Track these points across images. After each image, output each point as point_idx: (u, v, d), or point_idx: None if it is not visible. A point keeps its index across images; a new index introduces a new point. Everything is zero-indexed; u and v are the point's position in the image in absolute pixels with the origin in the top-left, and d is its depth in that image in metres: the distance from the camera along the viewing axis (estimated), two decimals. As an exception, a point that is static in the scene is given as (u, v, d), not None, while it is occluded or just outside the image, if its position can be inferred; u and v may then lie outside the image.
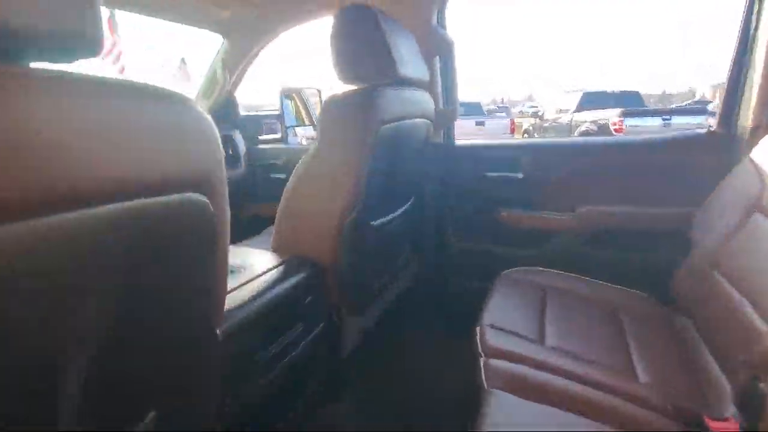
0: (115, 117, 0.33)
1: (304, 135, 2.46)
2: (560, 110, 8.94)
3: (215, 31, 1.64)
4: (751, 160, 1.00)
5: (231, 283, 0.85)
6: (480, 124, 8.53)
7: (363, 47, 0.95)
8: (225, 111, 1.93)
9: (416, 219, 1.39)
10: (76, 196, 0.30)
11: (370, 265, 1.14)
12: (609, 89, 9.38)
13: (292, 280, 0.92)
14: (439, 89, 1.43)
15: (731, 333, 0.82)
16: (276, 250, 1.05)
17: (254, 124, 2.13)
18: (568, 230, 1.37)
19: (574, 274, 1.26)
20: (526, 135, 10.30)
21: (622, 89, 9.61)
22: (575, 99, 8.62)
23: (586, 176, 1.36)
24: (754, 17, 1.10)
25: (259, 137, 2.14)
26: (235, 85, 1.86)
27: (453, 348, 1.55)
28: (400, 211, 1.21)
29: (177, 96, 0.39)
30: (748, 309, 0.79)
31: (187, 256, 0.42)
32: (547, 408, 0.74)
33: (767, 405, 0.64)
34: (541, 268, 1.30)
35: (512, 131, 8.71)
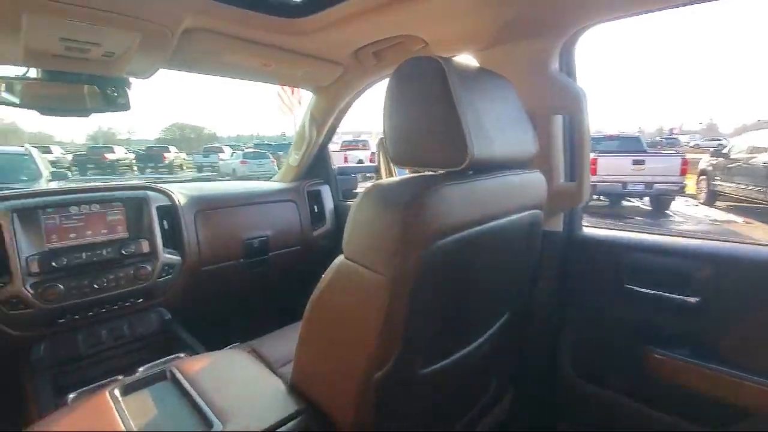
0: None
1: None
2: (754, 148, 6.85)
3: (304, 88, 1.52)
4: None
5: None
6: (639, 162, 7.08)
7: (420, 119, 0.63)
8: (316, 165, 1.82)
9: (513, 341, 0.97)
10: None
11: (420, 426, 0.78)
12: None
13: None
14: (560, 158, 1.00)
15: None
16: (293, 386, 0.78)
17: (350, 178, 1.98)
18: None
19: None
20: (702, 178, 8.24)
21: None
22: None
23: None
24: None
25: (354, 191, 1.98)
26: (327, 138, 1.73)
27: None
28: (480, 340, 0.83)
29: None
30: None
31: None
32: None
33: None
34: None
35: (683, 173, 6.98)
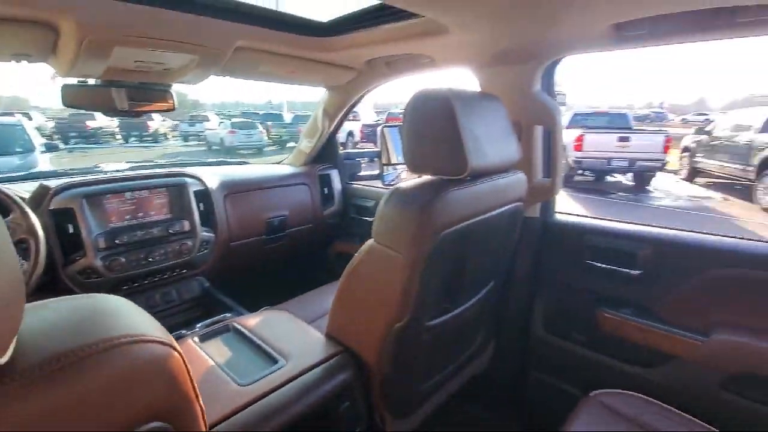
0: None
1: (405, 169, 2.43)
2: (738, 126, 7.15)
3: (319, 86, 1.70)
4: None
5: (274, 378, 0.86)
6: (624, 139, 7.33)
7: (431, 138, 0.85)
8: (325, 151, 2.02)
9: (496, 303, 1.23)
10: None
11: (422, 368, 1.04)
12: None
13: (333, 383, 0.89)
14: (539, 161, 1.23)
15: None
16: (329, 335, 1.03)
17: (355, 163, 2.18)
18: (694, 360, 1.05)
19: (693, 419, 0.96)
20: (685, 154, 8.58)
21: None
22: (764, 114, 6.80)
23: (734, 292, 1.01)
24: None
25: (358, 174, 2.19)
26: (336, 128, 1.92)
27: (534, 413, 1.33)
28: (471, 302, 1.08)
29: (147, 342, 0.37)
30: None
31: None
32: None
33: None
34: (645, 398, 1.03)
35: (666, 150, 7.28)
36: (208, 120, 19.93)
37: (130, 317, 0.40)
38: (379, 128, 2.18)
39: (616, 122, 8.58)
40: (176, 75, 1.15)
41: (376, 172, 2.19)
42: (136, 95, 1.24)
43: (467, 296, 1.07)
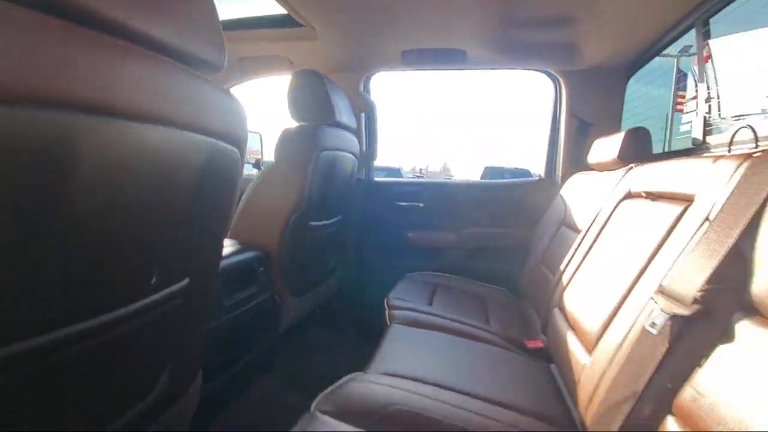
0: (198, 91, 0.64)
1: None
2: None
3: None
4: (561, 195, 1.58)
5: None
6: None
7: (312, 97, 1.36)
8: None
9: (342, 236, 1.75)
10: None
11: (306, 258, 1.45)
12: (506, 165, 11.14)
13: (249, 254, 1.21)
14: (364, 137, 1.89)
15: (542, 293, 1.29)
16: (232, 236, 1.33)
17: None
18: (456, 246, 1.84)
19: (457, 276, 1.71)
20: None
21: (515, 166, 11.49)
22: (479, 172, 10.07)
23: (466, 207, 1.88)
24: (558, 114, 1.78)
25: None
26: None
27: (367, 324, 1.85)
28: (331, 221, 1.57)
29: (229, 93, 0.71)
30: (550, 275, 1.27)
31: (224, 187, 0.73)
32: (429, 332, 1.12)
33: (558, 327, 1.06)
34: (434, 273, 1.73)
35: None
36: None
37: None
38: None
39: (393, 174, 10.87)
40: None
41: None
42: None
43: (327, 216, 1.56)
